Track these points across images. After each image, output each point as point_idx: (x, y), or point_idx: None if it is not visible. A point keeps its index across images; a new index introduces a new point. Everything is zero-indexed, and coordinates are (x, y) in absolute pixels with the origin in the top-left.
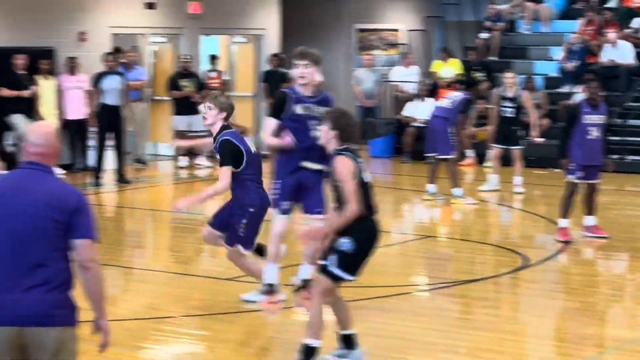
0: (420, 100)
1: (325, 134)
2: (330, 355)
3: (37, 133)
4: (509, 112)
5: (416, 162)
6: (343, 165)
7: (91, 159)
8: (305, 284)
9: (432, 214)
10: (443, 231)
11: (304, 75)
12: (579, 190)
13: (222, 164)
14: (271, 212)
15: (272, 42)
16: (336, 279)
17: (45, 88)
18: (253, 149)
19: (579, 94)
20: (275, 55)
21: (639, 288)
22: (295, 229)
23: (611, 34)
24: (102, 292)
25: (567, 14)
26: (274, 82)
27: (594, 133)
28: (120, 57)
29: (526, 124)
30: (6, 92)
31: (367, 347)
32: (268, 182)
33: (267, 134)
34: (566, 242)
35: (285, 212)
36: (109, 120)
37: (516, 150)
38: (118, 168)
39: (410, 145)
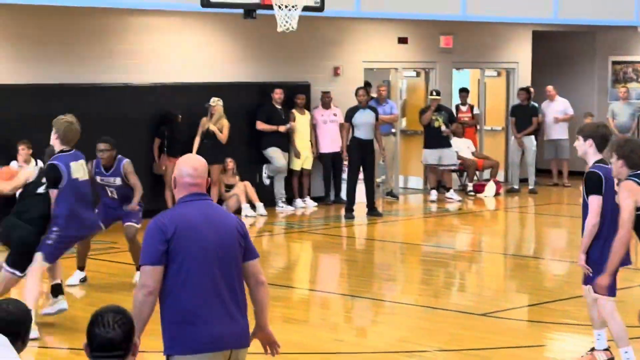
0: None
1: (614, 165)
2: None
3: (191, 165)
4: None
5: None
6: (629, 190)
7: (343, 192)
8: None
9: None
10: None
11: None
12: None
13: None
14: None
15: (524, 76)
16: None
17: (300, 122)
18: None
19: None
20: (523, 89)
21: None
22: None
23: None
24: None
25: None
26: (522, 116)
27: None
28: (372, 92)
29: None
30: (264, 127)
31: None
32: None
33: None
34: None
35: None
36: (361, 153)
37: None
38: (369, 201)
39: None
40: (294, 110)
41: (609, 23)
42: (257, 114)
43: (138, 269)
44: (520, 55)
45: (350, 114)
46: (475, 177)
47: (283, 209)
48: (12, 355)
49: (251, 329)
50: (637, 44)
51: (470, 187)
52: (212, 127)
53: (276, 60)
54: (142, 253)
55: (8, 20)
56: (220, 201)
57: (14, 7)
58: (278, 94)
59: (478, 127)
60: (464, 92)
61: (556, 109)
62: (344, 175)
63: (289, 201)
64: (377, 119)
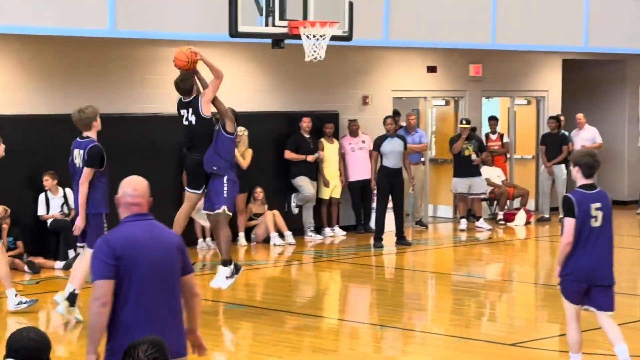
0: None
1: None
2: None
3: (131, 186)
4: None
5: None
6: None
7: (372, 220)
8: None
9: None
10: None
11: None
12: None
13: None
14: None
15: (554, 104)
16: None
17: (329, 151)
18: None
19: None
20: (553, 117)
21: None
22: None
23: None
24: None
25: None
26: (553, 144)
27: None
28: (400, 120)
29: None
30: (292, 156)
31: None
32: None
33: None
34: None
35: None
36: (390, 182)
37: None
38: (398, 230)
39: None
40: (322, 139)
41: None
42: (285, 143)
43: None
44: (550, 84)
45: (378, 142)
46: (505, 206)
47: (312, 238)
48: None
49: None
50: None
51: (500, 215)
52: (237, 156)
53: (304, 90)
54: (92, 269)
55: (38, 51)
56: (248, 230)
57: (44, 37)
58: (306, 123)
59: (508, 155)
60: (493, 120)
61: (585, 137)
62: (374, 204)
63: (318, 230)
64: (405, 147)
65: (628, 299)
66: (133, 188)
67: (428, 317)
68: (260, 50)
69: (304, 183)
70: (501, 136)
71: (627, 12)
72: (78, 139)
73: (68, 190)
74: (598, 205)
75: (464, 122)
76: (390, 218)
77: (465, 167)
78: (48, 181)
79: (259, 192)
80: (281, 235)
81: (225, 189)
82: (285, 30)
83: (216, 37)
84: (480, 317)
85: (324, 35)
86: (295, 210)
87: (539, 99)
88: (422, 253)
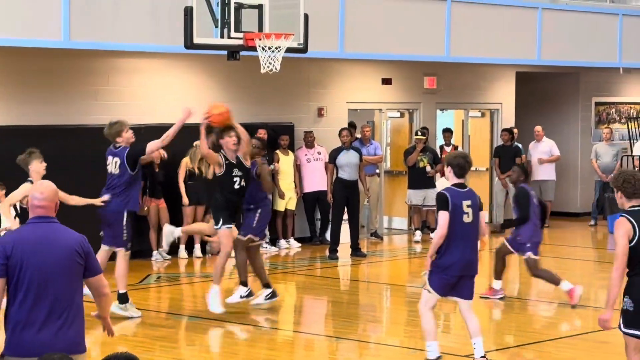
0: None
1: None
2: None
3: (39, 190)
4: None
5: None
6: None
7: (328, 232)
8: None
9: None
10: None
11: None
12: None
13: None
14: None
15: (507, 116)
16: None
17: (284, 163)
18: None
19: None
20: (506, 130)
21: None
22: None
23: None
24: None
25: None
26: (506, 157)
27: None
28: (356, 132)
29: None
30: None
31: None
32: None
33: None
34: None
35: None
36: (346, 194)
37: None
38: (353, 242)
39: None
40: (277, 151)
41: (592, 64)
42: None
43: None
44: (503, 96)
45: (334, 154)
46: None
47: (267, 249)
48: None
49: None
50: (620, 85)
51: None
52: (196, 168)
53: (260, 101)
54: None
55: None
56: (204, 242)
57: None
58: (261, 135)
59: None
60: (448, 132)
61: (542, 149)
62: (329, 216)
63: (273, 242)
64: (361, 159)
65: (581, 310)
66: (40, 192)
67: (383, 329)
68: (216, 62)
69: None
70: (455, 148)
71: (579, 26)
72: (112, 148)
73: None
74: (469, 202)
75: (419, 133)
76: (345, 230)
77: (419, 179)
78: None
79: None
80: None
81: (257, 219)
82: (240, 42)
83: (171, 49)
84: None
85: (280, 47)
86: None
87: (492, 111)
88: (377, 265)
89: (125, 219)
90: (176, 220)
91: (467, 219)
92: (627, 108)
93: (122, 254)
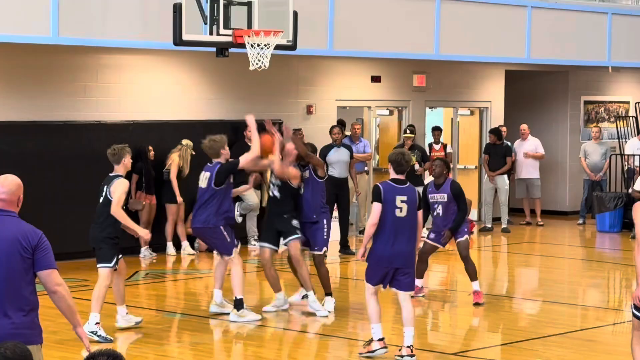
0: None
1: None
2: None
3: (2, 184)
4: None
5: None
6: None
7: None
8: None
9: None
10: None
11: None
12: None
13: None
14: None
15: (497, 115)
16: None
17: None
18: None
19: None
20: (493, 130)
21: None
22: None
23: None
24: (73, 307)
25: None
26: (496, 155)
27: None
28: (345, 130)
29: None
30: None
31: None
32: None
33: None
34: None
35: None
36: (335, 192)
37: None
38: (343, 239)
39: None
40: None
41: (581, 63)
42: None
43: None
44: (493, 94)
45: (324, 152)
46: None
47: (255, 247)
48: None
49: None
50: (609, 84)
51: None
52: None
53: (249, 98)
54: None
55: None
56: (192, 239)
57: None
58: (249, 132)
59: (451, 165)
60: (437, 130)
61: (527, 148)
62: None
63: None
64: (351, 157)
65: (569, 308)
66: (1, 184)
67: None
68: (205, 59)
69: (247, 192)
70: (444, 146)
71: (569, 24)
72: (208, 164)
73: None
74: (404, 198)
75: (408, 131)
76: (334, 227)
77: (409, 177)
78: None
79: None
80: None
81: (326, 231)
82: (229, 38)
83: (160, 45)
84: (422, 326)
85: (269, 44)
86: (239, 219)
87: (482, 109)
88: (364, 262)
89: (222, 230)
90: (162, 218)
91: (399, 213)
92: (616, 107)
93: (232, 261)
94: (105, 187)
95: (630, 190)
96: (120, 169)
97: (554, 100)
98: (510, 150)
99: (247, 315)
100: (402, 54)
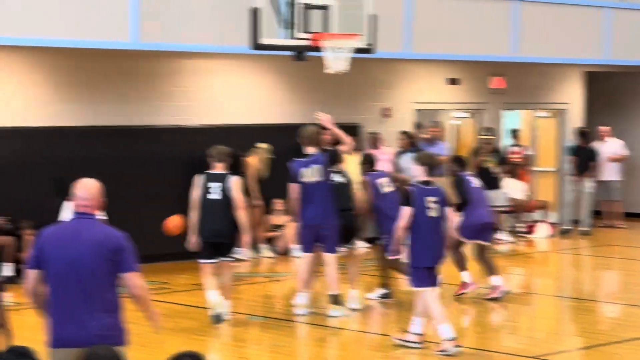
0: None
1: None
2: None
3: (83, 189)
4: None
5: None
6: None
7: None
8: None
9: None
10: None
11: None
12: None
13: None
14: None
15: (575, 116)
16: None
17: (350, 163)
18: None
19: None
20: (581, 132)
21: None
22: None
23: None
24: (153, 308)
25: None
26: (582, 157)
27: None
28: (422, 133)
29: None
30: None
31: None
32: None
33: None
34: None
35: None
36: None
37: None
38: None
39: None
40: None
41: None
42: None
43: None
44: (571, 96)
45: (396, 156)
46: (524, 219)
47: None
48: None
49: None
50: None
51: (521, 228)
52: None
53: (326, 102)
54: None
55: (60, 63)
56: (268, 242)
57: (66, 50)
58: (327, 135)
59: (529, 168)
60: (515, 133)
61: (608, 150)
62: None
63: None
64: None
65: None
66: (82, 189)
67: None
68: (281, 63)
69: None
70: (523, 148)
71: None
72: (305, 158)
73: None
74: (434, 199)
75: (485, 134)
76: None
77: (485, 180)
78: None
79: (280, 204)
80: None
81: None
82: (307, 42)
83: (237, 50)
84: (501, 329)
85: (346, 47)
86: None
87: (560, 111)
88: (443, 265)
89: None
90: None
91: (431, 213)
92: None
93: (333, 259)
94: (218, 184)
95: None
96: (221, 167)
97: (635, 100)
98: (595, 154)
99: (344, 310)
100: (480, 56)
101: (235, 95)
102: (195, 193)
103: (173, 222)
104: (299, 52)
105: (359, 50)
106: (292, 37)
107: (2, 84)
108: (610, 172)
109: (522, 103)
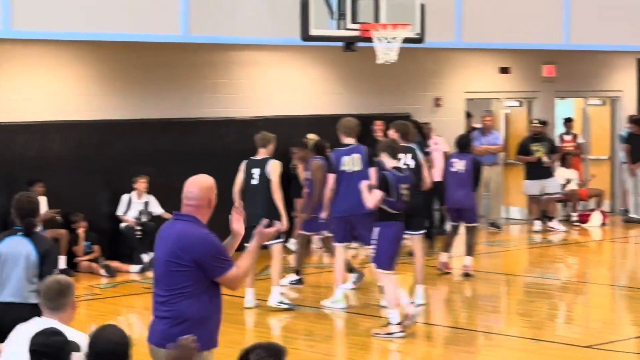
0: None
1: None
2: None
3: (191, 186)
4: None
5: None
6: None
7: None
8: None
9: None
10: None
11: None
12: None
13: None
14: None
15: (629, 104)
16: None
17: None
18: None
19: None
20: (635, 120)
21: None
22: None
23: None
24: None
25: None
26: (636, 145)
27: None
28: (473, 122)
29: None
30: None
31: None
32: None
33: None
34: None
35: None
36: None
37: None
38: None
39: None
40: None
41: None
42: None
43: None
44: (624, 84)
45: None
46: (578, 208)
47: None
48: None
49: None
50: None
51: (574, 217)
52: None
53: (376, 92)
54: None
55: (114, 57)
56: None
57: (118, 44)
58: (378, 126)
59: (582, 156)
60: (568, 121)
61: None
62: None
63: None
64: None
65: None
66: (189, 187)
67: (502, 319)
68: (332, 53)
69: None
70: (575, 137)
71: None
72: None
73: (152, 197)
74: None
75: (536, 121)
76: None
77: (536, 169)
78: (142, 184)
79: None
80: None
81: None
82: (357, 33)
83: (288, 41)
84: (555, 319)
85: (396, 37)
86: None
87: (613, 99)
88: (495, 255)
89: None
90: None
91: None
92: None
93: (340, 250)
94: (258, 169)
95: None
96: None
97: None
98: None
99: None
100: (531, 44)
101: (285, 87)
102: (239, 179)
103: None
104: (349, 43)
105: (409, 40)
106: (342, 28)
107: (54, 78)
108: None
109: (574, 91)
